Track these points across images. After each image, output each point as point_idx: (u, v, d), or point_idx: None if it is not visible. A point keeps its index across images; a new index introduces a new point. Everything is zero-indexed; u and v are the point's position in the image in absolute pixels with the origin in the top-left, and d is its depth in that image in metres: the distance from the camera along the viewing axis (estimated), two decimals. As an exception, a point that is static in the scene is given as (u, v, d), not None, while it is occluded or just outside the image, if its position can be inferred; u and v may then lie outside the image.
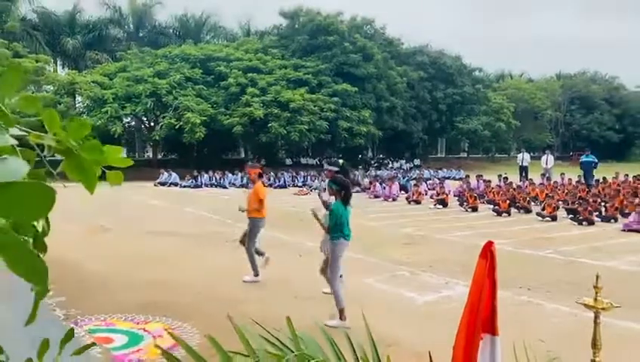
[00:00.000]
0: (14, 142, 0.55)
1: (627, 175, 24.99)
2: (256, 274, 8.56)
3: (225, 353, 1.59)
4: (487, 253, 1.87)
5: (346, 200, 6.86)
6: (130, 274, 8.81)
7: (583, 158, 26.18)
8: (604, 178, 24.30)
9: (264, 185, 9.02)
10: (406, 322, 6.54)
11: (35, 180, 0.49)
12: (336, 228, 6.73)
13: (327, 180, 7.82)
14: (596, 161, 26.16)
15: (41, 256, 0.61)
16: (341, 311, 6.49)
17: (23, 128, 0.58)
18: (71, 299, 7.22)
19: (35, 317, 0.69)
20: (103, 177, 0.69)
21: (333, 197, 6.99)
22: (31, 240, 0.59)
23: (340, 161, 7.86)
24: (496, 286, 1.88)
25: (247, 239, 8.62)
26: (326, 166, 7.93)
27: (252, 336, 1.68)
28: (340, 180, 7.05)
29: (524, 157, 29.38)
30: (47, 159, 0.63)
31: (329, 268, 6.80)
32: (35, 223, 0.59)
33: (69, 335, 0.83)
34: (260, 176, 8.96)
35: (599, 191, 20.63)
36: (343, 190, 6.86)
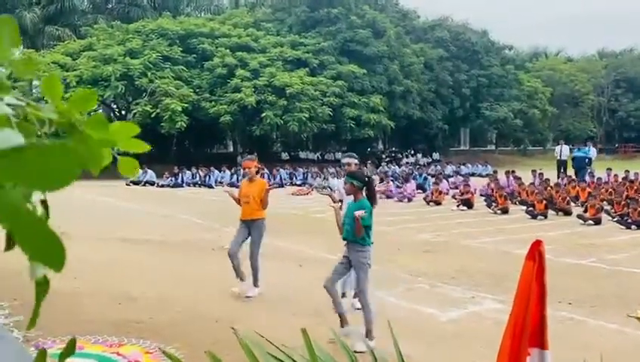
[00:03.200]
0: (10, 111, 0.56)
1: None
2: (257, 286, 8.56)
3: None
4: (535, 253, 1.88)
5: (372, 199, 6.68)
6: (100, 289, 8.82)
7: (575, 153, 27.54)
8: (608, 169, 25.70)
9: None
10: (427, 343, 6.55)
11: (57, 141, 0.49)
12: (367, 232, 6.55)
13: (341, 177, 7.82)
14: (590, 156, 27.44)
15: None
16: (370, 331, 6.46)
17: (20, 97, 0.59)
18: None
19: (36, 321, 0.70)
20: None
21: (348, 198, 6.87)
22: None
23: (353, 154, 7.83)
24: (545, 292, 1.89)
25: (252, 246, 8.60)
26: (345, 159, 7.88)
27: (259, 354, 1.69)
28: (361, 174, 6.89)
29: (563, 150, 29.40)
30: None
31: (362, 282, 6.61)
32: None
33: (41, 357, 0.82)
34: (258, 171, 9.05)
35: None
36: (365, 186, 6.68)
